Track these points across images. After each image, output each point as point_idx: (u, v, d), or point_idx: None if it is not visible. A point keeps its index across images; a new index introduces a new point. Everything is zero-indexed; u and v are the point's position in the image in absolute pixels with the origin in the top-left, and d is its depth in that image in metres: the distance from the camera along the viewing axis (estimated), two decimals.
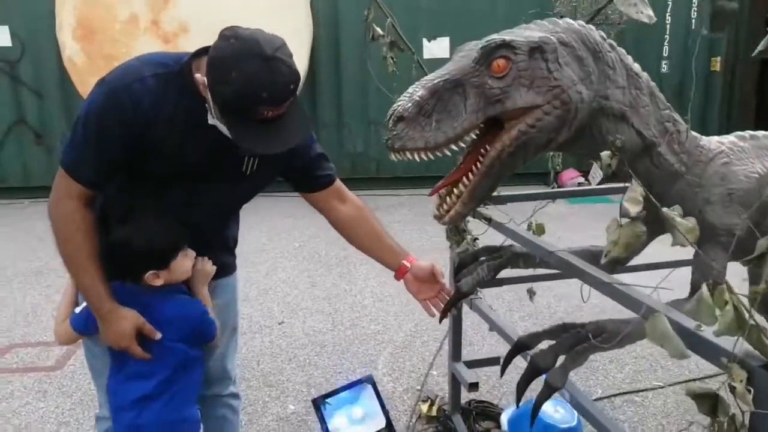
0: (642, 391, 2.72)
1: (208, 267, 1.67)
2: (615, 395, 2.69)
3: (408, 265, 1.81)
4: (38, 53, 6.58)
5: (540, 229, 1.93)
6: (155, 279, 1.54)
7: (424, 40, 6.79)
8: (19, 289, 4.13)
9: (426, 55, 6.60)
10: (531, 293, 2.16)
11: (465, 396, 2.52)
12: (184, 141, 1.48)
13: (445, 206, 1.45)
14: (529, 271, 2.01)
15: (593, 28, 1.44)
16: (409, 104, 1.33)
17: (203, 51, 1.44)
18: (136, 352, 1.54)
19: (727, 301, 0.95)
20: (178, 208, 1.56)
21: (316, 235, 4.97)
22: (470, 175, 1.42)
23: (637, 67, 1.49)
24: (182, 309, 1.61)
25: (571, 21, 1.44)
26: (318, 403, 2.24)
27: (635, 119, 1.45)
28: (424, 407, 2.54)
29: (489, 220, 1.90)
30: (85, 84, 6.23)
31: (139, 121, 1.42)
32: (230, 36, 1.34)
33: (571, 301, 3.57)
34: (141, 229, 1.54)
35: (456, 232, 2.10)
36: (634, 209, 0.99)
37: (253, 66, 1.31)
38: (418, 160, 1.38)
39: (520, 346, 1.53)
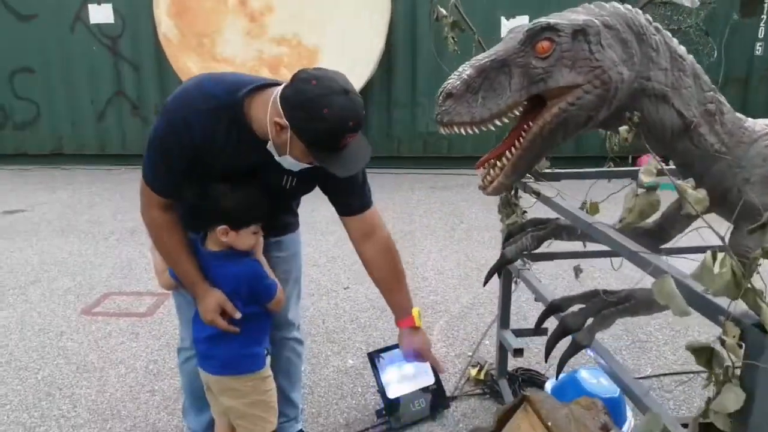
0: (692, 372, 2.74)
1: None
2: (664, 375, 2.74)
3: (399, 327, 1.97)
4: (137, 29, 7.09)
5: (594, 209, 2.00)
6: (223, 234, 1.75)
7: (503, 19, 6.77)
8: (116, 246, 4.59)
9: (504, 33, 6.57)
10: (577, 271, 2.25)
11: (513, 364, 2.65)
12: (231, 163, 1.69)
13: (488, 177, 1.58)
14: (580, 247, 2.09)
15: (639, 11, 1.52)
16: (458, 82, 1.46)
17: (255, 89, 1.62)
18: (220, 324, 1.78)
19: (727, 265, 1.05)
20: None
21: (383, 210, 5.17)
22: (513, 149, 1.54)
23: (682, 49, 1.54)
24: (237, 268, 1.79)
25: (618, 5, 1.52)
26: (373, 357, 2.44)
27: (676, 100, 1.51)
28: (473, 371, 2.69)
29: (537, 194, 2.01)
30: (177, 60, 6.68)
31: (192, 146, 1.63)
32: (309, 78, 1.51)
33: (630, 283, 3.58)
34: (239, 190, 1.73)
35: (507, 205, 2.22)
36: (647, 179, 1.10)
37: (340, 101, 1.49)
38: (464, 133, 1.51)
39: (553, 308, 1.65)
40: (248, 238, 1.79)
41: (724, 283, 1.04)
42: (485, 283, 1.95)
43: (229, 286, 1.79)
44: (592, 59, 1.43)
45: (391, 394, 2.39)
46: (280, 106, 1.54)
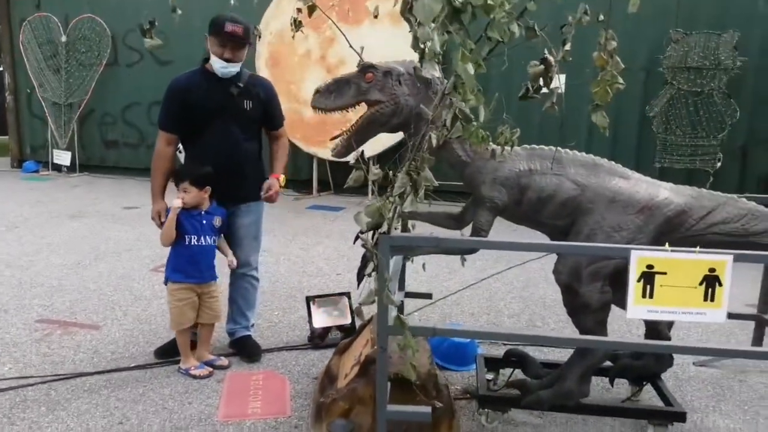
0: None
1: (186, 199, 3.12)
2: None
3: (270, 177, 3.32)
4: None
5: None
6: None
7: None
8: None
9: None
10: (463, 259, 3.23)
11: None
12: (204, 97, 3.08)
13: (335, 146, 2.65)
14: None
15: (438, 71, 2.58)
16: (323, 85, 2.62)
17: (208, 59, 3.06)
18: (156, 223, 3.18)
19: (378, 206, 2.12)
20: (216, 139, 3.13)
21: None
22: (348, 132, 2.61)
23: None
24: None
25: (417, 63, 2.60)
26: (308, 300, 3.59)
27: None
28: None
29: None
30: None
31: (180, 90, 3.09)
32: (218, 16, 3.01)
33: None
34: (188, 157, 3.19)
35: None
36: (352, 157, 2.21)
37: (225, 16, 3.00)
38: (322, 114, 2.64)
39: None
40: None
41: (371, 211, 2.12)
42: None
43: None
44: (391, 89, 2.53)
45: (316, 324, 3.51)
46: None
